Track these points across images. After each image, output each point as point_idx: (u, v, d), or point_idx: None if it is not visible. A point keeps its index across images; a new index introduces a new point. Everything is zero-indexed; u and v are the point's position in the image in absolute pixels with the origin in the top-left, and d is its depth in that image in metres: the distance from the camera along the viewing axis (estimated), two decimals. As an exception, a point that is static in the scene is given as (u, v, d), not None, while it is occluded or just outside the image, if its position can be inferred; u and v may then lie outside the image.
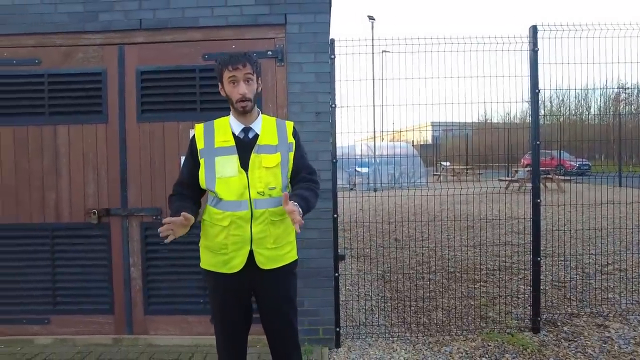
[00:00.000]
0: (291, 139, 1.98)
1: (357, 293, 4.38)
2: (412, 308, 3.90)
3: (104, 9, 3.18)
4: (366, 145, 17.68)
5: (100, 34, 3.21)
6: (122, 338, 3.24)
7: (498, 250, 5.78)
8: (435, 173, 20.80)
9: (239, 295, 1.91)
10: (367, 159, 15.84)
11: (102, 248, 3.24)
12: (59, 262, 3.24)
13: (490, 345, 3.09)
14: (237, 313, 1.93)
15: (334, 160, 3.16)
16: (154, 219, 3.21)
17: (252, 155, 1.85)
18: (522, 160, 25.02)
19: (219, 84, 1.92)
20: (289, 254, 1.96)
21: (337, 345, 3.15)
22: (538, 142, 3.25)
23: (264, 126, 1.96)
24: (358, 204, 10.06)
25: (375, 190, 14.81)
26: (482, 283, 4.53)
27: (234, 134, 1.90)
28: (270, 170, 1.87)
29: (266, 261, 1.86)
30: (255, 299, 1.98)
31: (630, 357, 2.86)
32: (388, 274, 5.02)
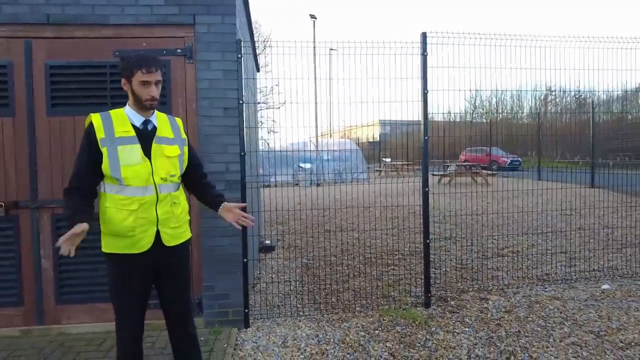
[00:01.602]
0: (184, 135, 2.24)
1: (277, 280, 4.62)
2: (325, 290, 4.21)
3: (8, 2, 3.18)
4: (310, 142, 18.00)
5: (4, 26, 3.21)
6: (31, 329, 3.28)
7: (415, 238, 6.25)
8: (377, 169, 21.55)
9: (145, 273, 2.08)
10: (310, 155, 16.16)
11: (10, 240, 3.26)
12: (-36, 255, 3.22)
13: (385, 320, 3.44)
14: (141, 292, 2.10)
15: (242, 154, 3.38)
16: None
17: (154, 145, 2.05)
18: (460, 156, 26.39)
19: (124, 79, 2.07)
20: (186, 232, 2.22)
21: (247, 326, 3.38)
22: (426, 137, 3.63)
23: (159, 120, 2.15)
24: (298, 199, 10.32)
25: (318, 185, 15.18)
26: (393, 267, 4.94)
27: (133, 125, 2.06)
28: (170, 159, 2.10)
29: (170, 239, 2.09)
30: (155, 278, 2.15)
31: (497, 322, 3.32)
32: (311, 262, 5.31)
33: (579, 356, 2.77)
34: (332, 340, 3.12)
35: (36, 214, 3.29)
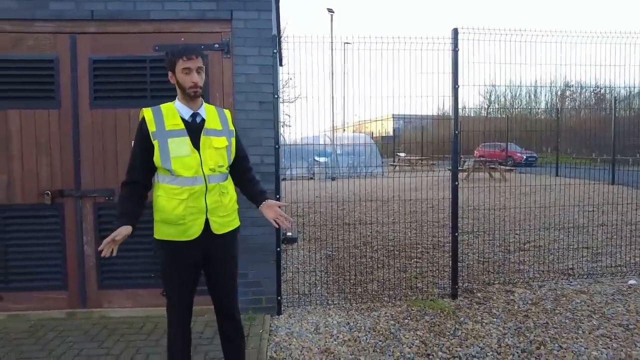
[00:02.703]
0: (232, 127, 2.32)
1: (303, 270, 4.74)
2: (351, 281, 4.31)
3: (55, -1, 3.31)
4: (326, 136, 18.08)
5: (51, 22, 3.34)
6: (76, 312, 3.45)
7: (437, 231, 6.31)
8: (391, 163, 21.55)
9: (195, 260, 2.19)
10: (325, 149, 16.23)
11: (56, 227, 3.41)
12: (12, 241, 3.39)
13: (413, 310, 3.53)
14: (191, 277, 2.21)
15: (277, 146, 3.47)
16: (107, 200, 3.42)
17: (202, 137, 2.15)
18: (475, 151, 26.19)
19: (169, 72, 2.18)
20: (235, 221, 2.31)
21: (279, 313, 3.50)
22: (457, 132, 3.69)
23: (208, 113, 2.25)
24: (315, 192, 10.41)
25: (333, 179, 15.27)
26: (416, 259, 5.01)
27: (182, 119, 2.17)
28: (218, 150, 2.19)
29: (219, 227, 2.18)
30: (204, 265, 2.26)
31: (524, 313, 3.38)
32: (334, 253, 5.42)
33: (609, 347, 2.82)
34: (363, 328, 3.22)
35: (79, 202, 3.43)
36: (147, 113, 2.17)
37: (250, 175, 2.40)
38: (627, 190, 10.06)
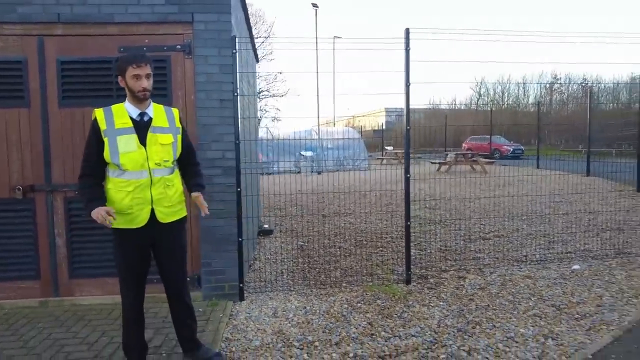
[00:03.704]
0: (179, 124, 2.55)
1: (273, 260, 4.96)
2: (316, 269, 4.54)
3: (22, 2, 3.47)
4: (312, 131, 18.26)
5: (19, 25, 3.50)
6: (48, 300, 3.64)
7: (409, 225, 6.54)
8: (378, 157, 21.79)
9: (143, 246, 2.42)
10: (311, 143, 16.43)
11: (28, 221, 3.60)
12: (-14, 234, 3.57)
13: (368, 295, 3.77)
14: (140, 262, 2.44)
15: (237, 142, 3.67)
16: (77, 194, 3.60)
17: (149, 134, 2.38)
18: (463, 144, 26.44)
19: (120, 76, 2.38)
20: (181, 211, 2.54)
21: (241, 299, 3.72)
22: (408, 128, 3.90)
23: (155, 112, 2.46)
24: (298, 186, 10.63)
25: (319, 173, 15.48)
26: (381, 248, 5.25)
27: (131, 118, 2.38)
28: (164, 146, 2.42)
29: (164, 216, 2.41)
30: (154, 252, 2.48)
31: (470, 297, 3.63)
32: (306, 244, 5.64)
33: (536, 325, 3.08)
34: (318, 311, 3.45)
35: (50, 197, 3.62)
36: (99, 113, 2.38)
37: (194, 170, 2.61)
38: (598, 181, 10.37)
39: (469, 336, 2.96)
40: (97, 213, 2.21)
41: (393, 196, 8.85)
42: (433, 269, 4.41)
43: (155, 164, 2.37)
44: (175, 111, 2.56)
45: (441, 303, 3.54)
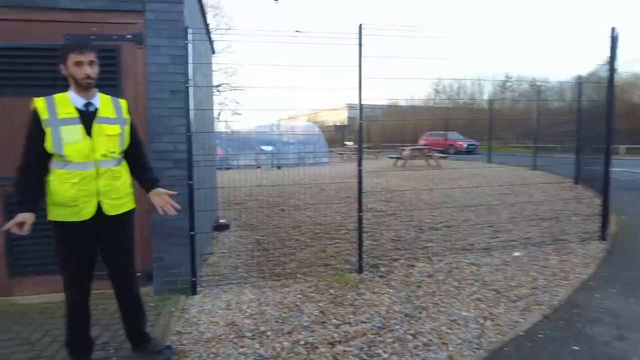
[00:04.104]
0: (126, 115, 2.49)
1: (229, 254, 4.94)
2: (272, 262, 4.57)
3: (-45, -16, 3.26)
4: (274, 126, 18.18)
5: (-48, 7, 3.28)
6: (-16, 300, 3.46)
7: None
8: (339, 152, 22.02)
9: (88, 239, 2.35)
10: (271, 138, 16.36)
11: (-38, 216, 3.40)
12: None
13: (321, 284, 3.85)
14: (85, 256, 2.37)
15: (189, 134, 3.63)
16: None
17: (95, 125, 2.31)
18: (420, 140, 27.25)
19: (62, 64, 2.31)
20: (129, 203, 2.49)
21: (194, 293, 3.69)
22: (361, 122, 4.00)
23: (102, 102, 2.40)
24: (258, 180, 10.56)
25: (279, 167, 15.46)
26: (337, 240, 5.36)
27: (76, 107, 2.31)
28: (111, 137, 2.36)
29: (111, 208, 2.35)
30: (100, 246, 2.42)
31: (418, 284, 3.79)
32: (264, 237, 5.65)
33: (478, 307, 3.27)
34: (271, 302, 3.49)
35: (-13, 191, 3.43)
36: (39, 102, 2.29)
37: (143, 162, 2.58)
38: (543, 174, 11.03)
39: (416, 321, 3.10)
40: (13, 222, 2.14)
41: (351, 190, 9.00)
42: (385, 258, 4.56)
43: (102, 155, 2.31)
44: (122, 102, 2.51)
45: (391, 290, 3.68)
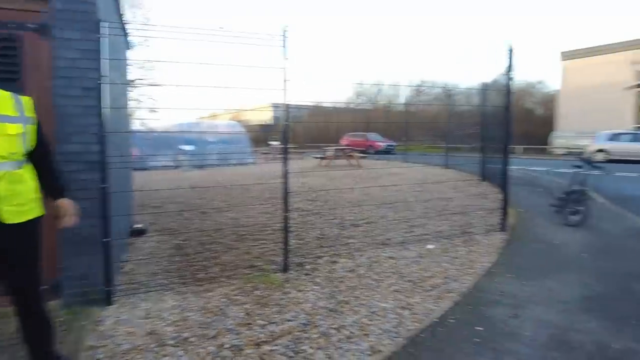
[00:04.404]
0: (31, 114, 2.27)
1: (147, 261, 4.70)
2: (194, 267, 4.44)
3: None
4: (195, 124, 17.54)
5: None
6: None
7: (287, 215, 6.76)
8: (264, 152, 21.90)
9: None
10: (192, 137, 15.78)
11: None
12: None
13: (247, 286, 3.83)
14: None
15: (103, 134, 3.40)
16: None
17: None
18: (341, 140, 28.03)
19: None
20: (34, 210, 2.26)
21: (109, 304, 3.47)
22: (287, 122, 4.05)
23: (0, 99, 2.16)
24: (178, 182, 10.14)
25: (200, 167, 14.96)
26: (262, 241, 5.36)
27: None
28: (11, 137, 2.13)
29: (11, 216, 2.12)
30: (2, 257, 2.18)
31: (341, 279, 3.94)
32: (185, 242, 5.46)
33: (396, 298, 3.50)
34: (194, 308, 3.40)
35: None
36: None
37: (50, 165, 2.38)
38: (453, 172, 11.98)
39: (339, 315, 3.23)
40: None
41: (276, 190, 9.02)
42: (310, 256, 4.66)
43: (1, 156, 2.09)
44: (25, 99, 2.27)
45: (315, 287, 3.78)
